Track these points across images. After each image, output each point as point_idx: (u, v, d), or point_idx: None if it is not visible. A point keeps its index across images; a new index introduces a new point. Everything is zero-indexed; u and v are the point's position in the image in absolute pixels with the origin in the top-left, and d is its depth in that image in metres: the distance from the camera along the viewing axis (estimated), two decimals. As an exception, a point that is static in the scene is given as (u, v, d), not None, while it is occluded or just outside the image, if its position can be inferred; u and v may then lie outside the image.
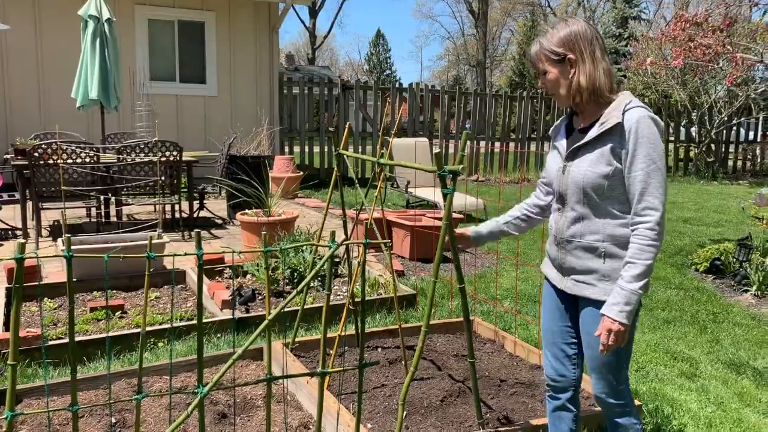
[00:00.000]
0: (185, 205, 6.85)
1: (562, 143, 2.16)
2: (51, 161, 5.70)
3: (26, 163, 5.69)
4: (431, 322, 3.94)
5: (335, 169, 3.19)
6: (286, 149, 11.52)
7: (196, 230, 1.78)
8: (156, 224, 5.22)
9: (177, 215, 6.83)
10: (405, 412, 2.83)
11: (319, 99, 12.20)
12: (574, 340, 2.23)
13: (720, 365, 3.78)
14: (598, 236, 2.02)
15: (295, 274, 4.77)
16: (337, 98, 11.96)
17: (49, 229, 6.64)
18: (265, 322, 1.96)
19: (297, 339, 3.48)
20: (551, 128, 2.29)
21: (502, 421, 2.80)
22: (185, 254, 1.76)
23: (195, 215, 7.18)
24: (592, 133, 2.02)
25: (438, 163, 2.29)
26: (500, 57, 56.34)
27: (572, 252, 2.09)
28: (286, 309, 4.12)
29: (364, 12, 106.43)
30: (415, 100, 12.54)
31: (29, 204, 6.02)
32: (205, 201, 7.59)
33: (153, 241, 5.22)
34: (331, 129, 3.46)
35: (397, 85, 12.61)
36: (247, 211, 5.61)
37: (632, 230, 1.96)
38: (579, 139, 2.09)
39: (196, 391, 1.89)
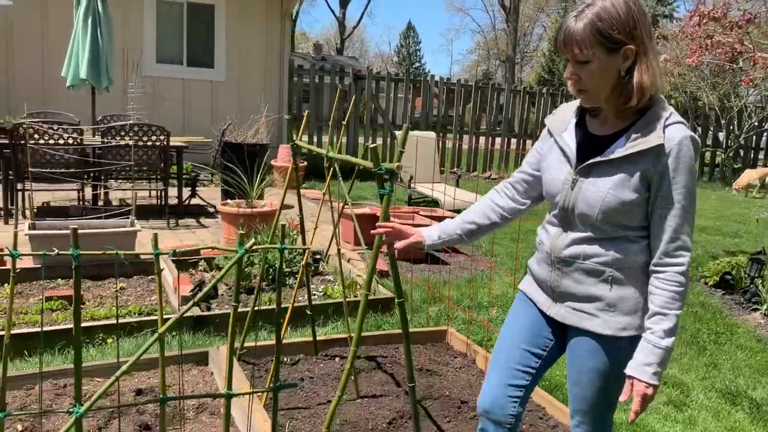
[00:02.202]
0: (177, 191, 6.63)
1: (569, 145, 1.77)
2: (32, 142, 5.52)
3: (6, 142, 5.52)
4: (394, 331, 3.65)
5: (292, 160, 2.94)
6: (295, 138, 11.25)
7: (72, 227, 1.54)
8: (133, 210, 4.99)
9: (169, 201, 6.63)
10: (346, 434, 2.56)
11: (330, 88, 11.92)
12: (531, 371, 1.89)
13: (714, 393, 3.43)
14: (606, 259, 1.70)
15: (271, 270, 4.54)
16: (348, 88, 11.66)
17: (35, 211, 6.47)
18: (155, 336, 1.71)
19: (246, 344, 3.22)
20: (550, 116, 1.88)
21: (452, 450, 2.51)
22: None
23: (186, 202, 6.97)
24: (620, 151, 1.65)
25: (374, 159, 2.01)
26: (531, 53, 55.45)
27: (571, 275, 1.76)
28: (253, 309, 3.88)
29: (395, 3, 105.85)
30: (430, 93, 12.20)
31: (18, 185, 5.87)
32: (198, 188, 7.37)
33: (123, 229, 4.95)
34: (286, 117, 3.17)
35: (411, 77, 12.29)
36: (228, 201, 5.37)
37: (659, 272, 1.65)
38: (596, 148, 1.71)
39: (71, 410, 1.64)
